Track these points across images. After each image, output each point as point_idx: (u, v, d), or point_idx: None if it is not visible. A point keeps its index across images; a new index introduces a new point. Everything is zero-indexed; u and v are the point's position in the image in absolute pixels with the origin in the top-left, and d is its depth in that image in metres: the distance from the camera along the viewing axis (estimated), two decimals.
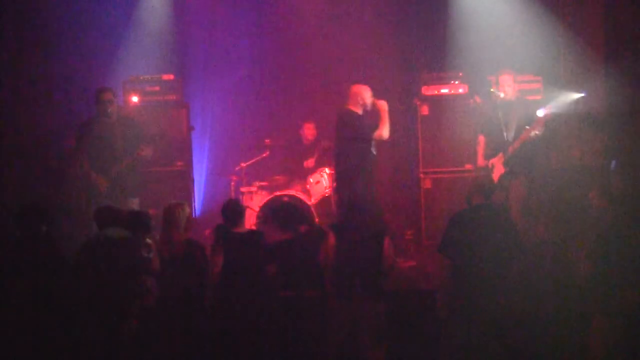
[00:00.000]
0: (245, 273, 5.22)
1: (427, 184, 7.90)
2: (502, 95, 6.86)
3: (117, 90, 7.71)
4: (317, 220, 7.90)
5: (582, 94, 7.40)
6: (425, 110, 7.93)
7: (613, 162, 5.70)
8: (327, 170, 8.23)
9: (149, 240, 5.31)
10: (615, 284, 4.69)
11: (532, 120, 6.71)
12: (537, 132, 6.67)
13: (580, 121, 7.63)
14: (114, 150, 6.91)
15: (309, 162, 8.45)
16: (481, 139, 7.09)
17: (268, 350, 5.21)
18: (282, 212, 5.81)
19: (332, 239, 5.27)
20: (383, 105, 6.79)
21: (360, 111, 6.78)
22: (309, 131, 8.58)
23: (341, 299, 5.17)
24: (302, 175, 8.39)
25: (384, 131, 6.73)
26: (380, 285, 5.23)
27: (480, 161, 7.02)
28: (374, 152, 6.80)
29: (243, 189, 8.24)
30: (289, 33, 8.96)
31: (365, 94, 6.81)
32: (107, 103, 6.94)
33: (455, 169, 7.81)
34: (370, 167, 6.78)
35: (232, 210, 5.41)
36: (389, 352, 5.22)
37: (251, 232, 5.60)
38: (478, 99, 7.82)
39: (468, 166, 7.66)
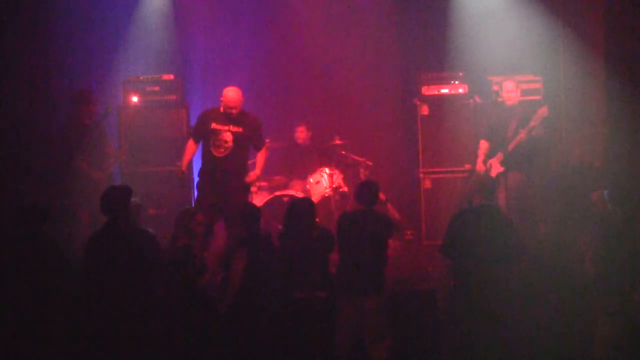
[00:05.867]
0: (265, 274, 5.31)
1: (427, 184, 7.91)
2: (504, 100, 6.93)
3: (117, 90, 7.76)
4: (317, 220, 7.87)
5: None
6: (425, 110, 7.93)
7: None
8: (327, 170, 8.21)
9: None
10: (618, 285, 4.69)
11: (531, 120, 6.73)
12: (535, 130, 6.68)
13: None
14: (105, 150, 7.11)
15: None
16: (483, 143, 7.09)
17: (272, 350, 5.21)
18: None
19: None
20: None
21: None
22: (300, 134, 8.57)
23: (345, 298, 5.17)
24: (302, 175, 8.38)
25: None
26: (382, 283, 5.24)
27: (480, 166, 7.02)
28: None
29: None
30: (288, 33, 8.93)
31: None
32: (97, 105, 7.13)
33: (455, 169, 7.81)
34: None
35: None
36: (389, 352, 5.22)
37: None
38: (478, 99, 7.84)
39: (468, 166, 7.66)
